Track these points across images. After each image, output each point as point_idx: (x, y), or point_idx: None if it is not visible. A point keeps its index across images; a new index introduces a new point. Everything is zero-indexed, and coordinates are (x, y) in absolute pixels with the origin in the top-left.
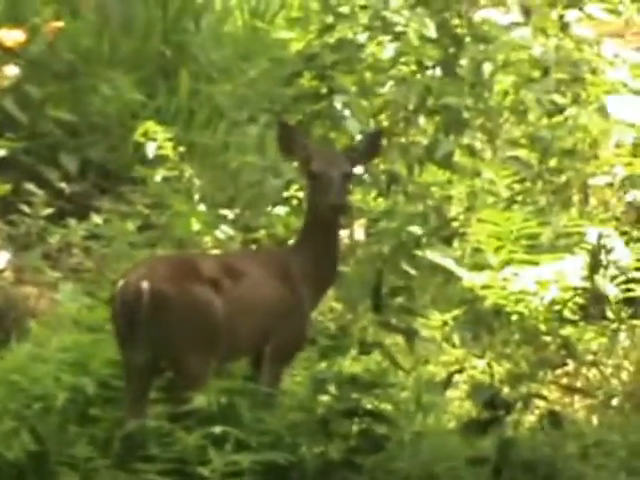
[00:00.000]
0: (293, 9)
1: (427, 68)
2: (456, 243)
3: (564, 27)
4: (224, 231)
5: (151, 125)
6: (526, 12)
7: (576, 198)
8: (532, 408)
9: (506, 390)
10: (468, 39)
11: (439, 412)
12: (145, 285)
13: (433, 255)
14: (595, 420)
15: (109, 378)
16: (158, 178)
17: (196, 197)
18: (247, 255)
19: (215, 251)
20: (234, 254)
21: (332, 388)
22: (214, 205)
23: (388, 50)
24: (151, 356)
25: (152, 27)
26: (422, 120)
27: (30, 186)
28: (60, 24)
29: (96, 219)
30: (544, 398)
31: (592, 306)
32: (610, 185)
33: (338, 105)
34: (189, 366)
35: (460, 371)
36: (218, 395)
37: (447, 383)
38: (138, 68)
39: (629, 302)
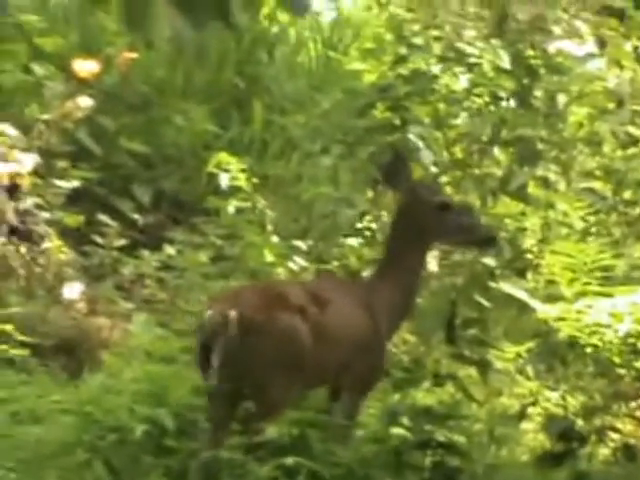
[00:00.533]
0: (366, 40)
1: (501, 99)
2: (530, 275)
3: (639, 58)
4: (297, 262)
5: (224, 156)
6: (601, 43)
7: None
8: (606, 441)
9: (580, 423)
10: (542, 70)
11: (512, 444)
12: (233, 313)
13: (507, 287)
14: None
15: (184, 410)
16: (231, 209)
17: (269, 228)
18: (332, 284)
19: (299, 280)
20: (319, 282)
21: (405, 420)
22: (287, 236)
23: (462, 81)
24: (235, 385)
25: (226, 58)
26: (496, 151)
27: (103, 217)
28: (134, 55)
29: (169, 250)
30: (618, 431)
31: None
32: None
33: (412, 136)
34: (272, 394)
35: (534, 404)
36: (290, 427)
37: (521, 415)
38: (211, 99)
39: None
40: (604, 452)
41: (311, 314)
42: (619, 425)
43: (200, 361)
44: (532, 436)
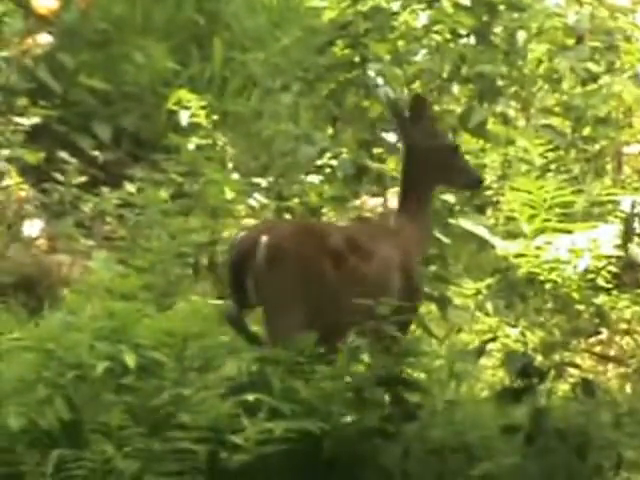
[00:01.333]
0: None
1: (461, 36)
2: (489, 211)
3: None
4: (257, 199)
5: (184, 93)
6: None
7: (610, 166)
8: (565, 376)
9: (539, 358)
10: (502, 7)
11: (472, 381)
12: (264, 238)
13: (466, 223)
14: (628, 388)
15: (145, 347)
16: (191, 146)
17: (229, 165)
18: (368, 229)
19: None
20: (355, 226)
21: (365, 357)
22: (247, 173)
23: (422, 18)
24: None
25: None
26: (456, 88)
27: (63, 154)
28: None
29: (129, 187)
30: (577, 366)
31: (626, 274)
32: None
33: (371, 73)
34: (280, 323)
35: (493, 339)
36: (249, 364)
37: (480, 351)
38: (171, 36)
39: None
40: (563, 388)
41: (344, 259)
42: (578, 361)
43: (230, 282)
44: (491, 372)
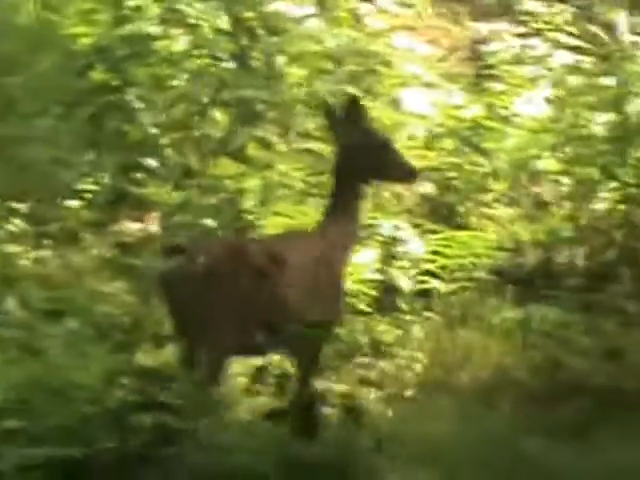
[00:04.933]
0: (85, 1)
1: (221, 61)
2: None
3: (357, 19)
4: (16, 224)
5: None
6: (319, 4)
7: (369, 190)
8: (327, 400)
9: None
10: (261, 31)
11: (237, 404)
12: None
13: None
14: (389, 411)
15: None
16: None
17: None
18: (289, 240)
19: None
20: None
21: (126, 381)
22: (6, 198)
23: (181, 42)
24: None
25: None
26: (216, 113)
27: None
28: None
29: None
30: (339, 391)
31: (386, 298)
32: None
33: (131, 98)
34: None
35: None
36: (9, 390)
37: (258, 374)
38: None
39: (423, 294)
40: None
41: (268, 273)
42: (339, 385)
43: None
44: (258, 394)
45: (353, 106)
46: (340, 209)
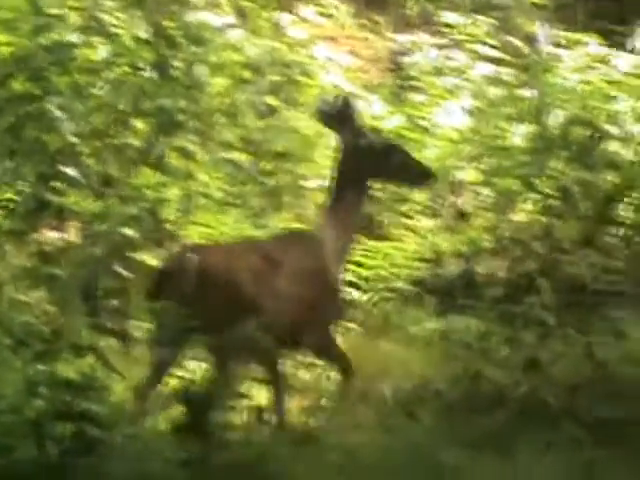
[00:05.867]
0: (4, 10)
1: (141, 70)
2: (169, 245)
3: (277, 29)
4: None
5: None
6: (241, 14)
7: (289, 200)
8: (243, 407)
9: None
10: (182, 41)
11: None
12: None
13: (147, 257)
14: (309, 420)
15: None
16: None
17: None
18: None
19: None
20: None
21: (45, 391)
22: None
23: (101, 52)
24: None
25: None
26: (136, 122)
27: None
28: None
29: None
30: (251, 398)
31: None
32: (323, 188)
33: (51, 107)
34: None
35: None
36: None
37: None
38: None
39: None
40: (242, 418)
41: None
42: (255, 393)
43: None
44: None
45: (346, 107)
46: (343, 207)
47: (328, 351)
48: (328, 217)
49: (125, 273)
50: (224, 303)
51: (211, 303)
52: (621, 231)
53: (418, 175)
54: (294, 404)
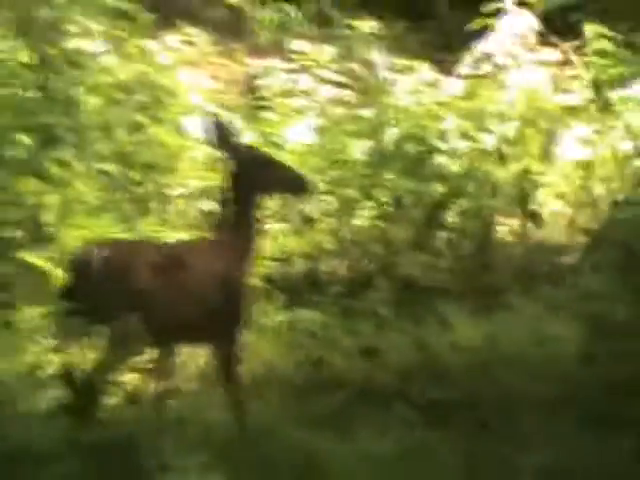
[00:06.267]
0: None
1: (26, 90)
2: (49, 246)
3: (146, 55)
4: None
5: None
6: (112, 41)
7: (156, 207)
8: (118, 392)
9: (96, 377)
10: (63, 65)
11: (34, 399)
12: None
13: (29, 256)
14: (173, 401)
15: None
16: None
17: None
18: (188, 245)
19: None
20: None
21: None
22: None
23: None
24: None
25: None
26: (21, 136)
27: None
28: None
29: None
30: (124, 383)
31: None
32: (186, 196)
33: None
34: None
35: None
36: None
37: (32, 370)
38: None
39: None
40: (116, 400)
41: (161, 273)
42: (126, 377)
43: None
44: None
45: (223, 127)
46: (237, 220)
47: (225, 359)
48: (225, 229)
49: (7, 270)
50: (117, 294)
51: (107, 292)
52: (448, 235)
53: (299, 186)
54: (159, 385)
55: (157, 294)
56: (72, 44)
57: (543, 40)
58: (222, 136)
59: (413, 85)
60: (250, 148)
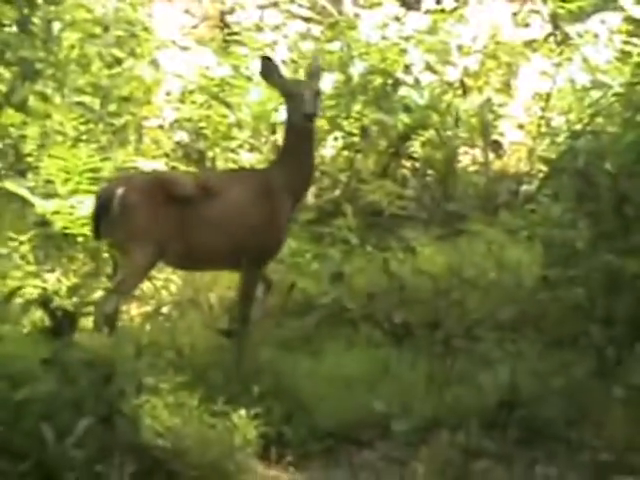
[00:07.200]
0: None
1: (4, 26)
2: (30, 175)
3: None
4: None
5: None
6: None
7: (132, 138)
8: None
9: (71, 300)
10: (40, 1)
11: (13, 322)
12: (120, 190)
13: (11, 185)
14: (148, 326)
15: None
16: None
17: None
18: (226, 175)
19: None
20: (215, 174)
21: None
22: None
23: None
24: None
25: None
26: (1, 70)
27: None
28: None
29: None
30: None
31: None
32: (161, 127)
33: None
34: (129, 263)
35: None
36: None
37: (10, 295)
38: None
39: None
40: (87, 323)
41: (193, 203)
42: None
43: (93, 226)
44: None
45: (268, 64)
46: (289, 152)
47: (249, 284)
48: (279, 159)
49: None
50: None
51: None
52: (412, 164)
53: (298, 116)
54: (136, 311)
55: (196, 222)
56: None
57: None
58: (272, 73)
59: (379, 20)
60: (298, 82)
